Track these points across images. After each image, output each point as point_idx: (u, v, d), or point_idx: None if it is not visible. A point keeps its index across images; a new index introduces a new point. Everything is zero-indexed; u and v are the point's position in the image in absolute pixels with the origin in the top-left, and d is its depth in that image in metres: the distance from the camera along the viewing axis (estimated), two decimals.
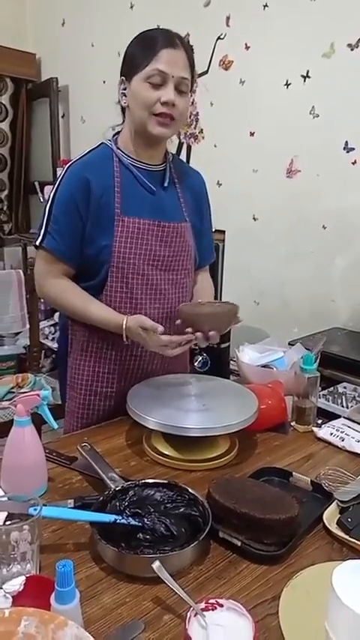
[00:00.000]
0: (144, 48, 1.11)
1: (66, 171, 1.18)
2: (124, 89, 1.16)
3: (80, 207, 1.15)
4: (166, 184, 1.25)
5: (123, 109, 1.22)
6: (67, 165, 1.19)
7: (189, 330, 1.15)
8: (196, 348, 1.99)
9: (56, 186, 1.17)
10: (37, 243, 1.19)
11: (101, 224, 1.17)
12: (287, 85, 2.03)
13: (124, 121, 1.24)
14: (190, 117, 2.40)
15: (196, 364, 1.78)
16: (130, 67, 1.13)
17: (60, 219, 1.16)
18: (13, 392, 1.97)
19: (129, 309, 1.20)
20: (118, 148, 1.22)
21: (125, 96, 1.16)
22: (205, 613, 0.64)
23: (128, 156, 1.21)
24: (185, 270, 1.28)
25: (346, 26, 1.80)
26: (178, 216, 1.27)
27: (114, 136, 1.26)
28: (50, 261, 1.19)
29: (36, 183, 3.13)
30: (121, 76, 1.17)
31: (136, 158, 1.22)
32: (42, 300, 2.99)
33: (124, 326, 1.14)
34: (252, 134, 2.20)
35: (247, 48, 2.16)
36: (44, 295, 1.26)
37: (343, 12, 1.81)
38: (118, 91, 1.19)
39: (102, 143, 1.24)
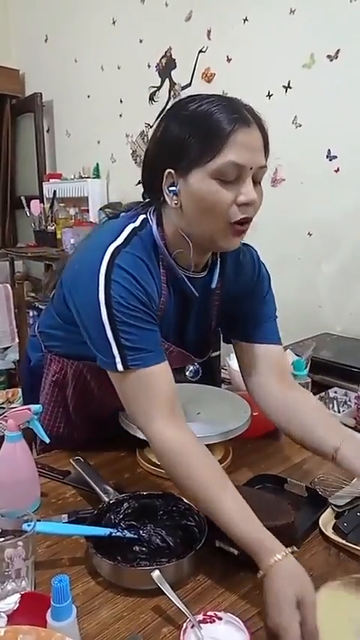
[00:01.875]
0: (204, 130, 0.78)
1: (113, 264, 0.81)
2: (173, 185, 0.82)
3: (142, 307, 0.83)
4: (213, 286, 0.95)
5: (161, 198, 0.86)
6: (110, 254, 0.81)
7: None
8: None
9: (103, 293, 0.80)
10: (121, 368, 0.81)
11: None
12: (269, 95, 2.06)
13: (159, 206, 0.89)
14: None
15: (187, 373, 1.77)
16: (181, 157, 0.80)
17: (132, 329, 0.81)
18: (4, 407, 1.95)
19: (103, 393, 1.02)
20: (165, 246, 0.88)
21: (177, 195, 0.82)
22: (202, 625, 0.64)
23: (179, 264, 0.90)
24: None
25: (325, 38, 1.85)
26: (202, 350, 1.05)
27: (151, 209, 0.90)
28: (147, 384, 0.82)
29: (22, 198, 3.13)
30: (165, 165, 0.82)
31: (183, 266, 0.91)
32: (30, 314, 2.99)
33: (274, 559, 0.68)
34: None
35: (229, 60, 2.20)
36: (160, 451, 0.81)
37: (321, 24, 1.85)
38: (165, 186, 0.83)
39: (144, 222, 0.88)
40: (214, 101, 0.79)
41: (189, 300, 0.95)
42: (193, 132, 0.79)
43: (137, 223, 0.88)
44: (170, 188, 0.83)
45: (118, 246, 0.83)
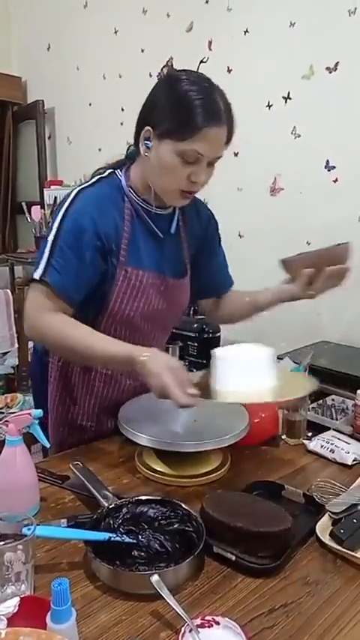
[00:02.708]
0: (182, 116, 0.96)
1: (74, 199, 1.03)
2: (148, 139, 1.02)
3: (86, 244, 1.02)
4: (173, 230, 1.17)
5: (137, 145, 1.07)
6: (75, 192, 1.05)
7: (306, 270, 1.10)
8: (186, 364, 2.00)
9: (62, 213, 1.02)
10: (37, 276, 1.01)
11: (102, 270, 1.06)
12: (269, 106, 2.09)
13: (135, 155, 1.11)
14: None
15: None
16: (161, 124, 0.99)
17: (66, 252, 1.00)
18: (3, 412, 1.96)
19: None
20: (129, 187, 1.10)
21: (148, 148, 1.02)
22: (200, 630, 0.65)
23: (140, 198, 1.10)
24: (175, 322, 1.29)
25: (324, 50, 1.87)
26: (180, 270, 1.20)
27: (123, 165, 1.13)
28: (50, 297, 1.01)
29: (23, 204, 3.15)
30: (146, 121, 1.02)
31: (147, 201, 1.10)
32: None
33: (142, 356, 0.95)
34: (236, 154, 2.25)
35: (229, 71, 2.23)
36: (36, 332, 1.05)
37: (320, 37, 1.88)
38: (138, 134, 1.05)
39: (112, 172, 1.11)
40: (200, 90, 0.96)
41: (157, 238, 1.13)
42: (175, 110, 0.97)
43: (105, 174, 1.11)
44: (146, 141, 1.02)
45: (83, 187, 1.06)
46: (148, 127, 1.01)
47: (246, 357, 0.95)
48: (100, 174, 1.11)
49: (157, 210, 1.12)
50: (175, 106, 0.97)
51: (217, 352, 0.97)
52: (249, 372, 0.92)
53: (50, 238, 1.02)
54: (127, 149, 1.14)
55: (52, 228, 1.03)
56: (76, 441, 1.21)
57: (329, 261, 1.08)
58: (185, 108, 0.95)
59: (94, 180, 1.09)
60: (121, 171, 1.12)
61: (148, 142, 1.02)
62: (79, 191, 1.05)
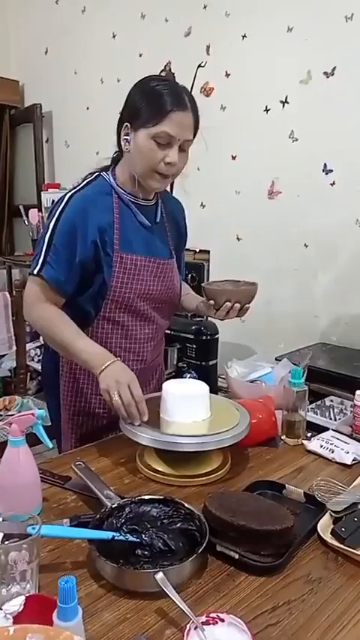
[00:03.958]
0: (153, 104, 1.11)
1: (67, 202, 1.17)
2: (127, 135, 1.16)
3: (79, 241, 1.15)
4: (158, 220, 1.30)
5: (120, 147, 1.22)
6: (68, 196, 1.18)
7: (211, 302, 1.27)
8: (184, 365, 2.01)
9: (57, 216, 1.16)
10: (35, 271, 1.16)
11: (99, 259, 1.18)
12: (267, 110, 2.10)
13: (120, 157, 1.25)
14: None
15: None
16: (136, 117, 1.13)
17: (60, 250, 1.15)
18: (1, 415, 1.95)
19: (119, 337, 1.26)
20: (116, 183, 1.23)
21: (128, 142, 1.16)
22: (205, 627, 0.65)
23: (127, 192, 1.23)
24: (172, 302, 1.36)
25: (322, 55, 1.90)
26: (167, 253, 1.32)
27: (110, 168, 1.26)
28: (44, 290, 1.17)
29: (21, 207, 3.15)
30: (124, 120, 1.17)
31: (133, 194, 1.24)
32: (28, 322, 2.99)
33: (107, 364, 1.09)
34: (234, 157, 2.27)
35: (228, 75, 2.25)
36: (32, 318, 1.22)
37: (318, 42, 1.91)
38: (119, 133, 1.19)
39: (99, 175, 1.24)
40: (166, 85, 1.13)
41: (145, 226, 1.25)
42: (148, 102, 1.12)
43: (92, 177, 1.24)
44: (125, 136, 1.17)
45: (75, 191, 1.19)
46: (126, 123, 1.16)
47: (187, 392, 1.12)
48: (88, 178, 1.24)
49: (142, 201, 1.26)
50: (146, 99, 1.13)
51: (165, 385, 1.14)
52: (188, 406, 1.10)
53: (46, 238, 1.16)
54: (113, 155, 1.29)
55: (47, 228, 1.17)
56: (90, 429, 1.30)
57: (239, 296, 1.26)
58: (154, 98, 1.11)
59: (83, 184, 1.22)
60: (107, 172, 1.25)
61: (127, 137, 1.16)
62: (71, 195, 1.19)
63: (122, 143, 1.19)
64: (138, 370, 1.28)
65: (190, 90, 2.18)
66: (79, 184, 1.22)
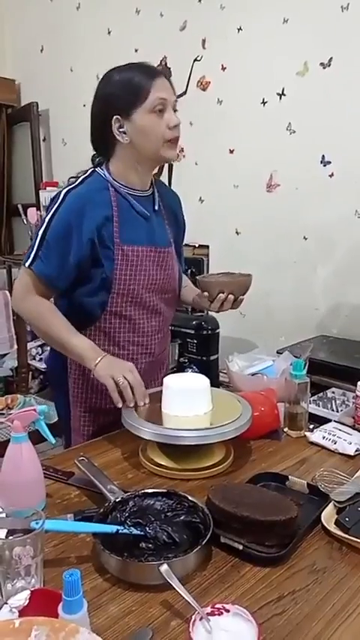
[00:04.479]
0: (133, 85, 1.14)
1: (63, 199, 1.17)
2: (121, 127, 1.16)
3: (74, 240, 1.16)
4: (156, 208, 1.30)
5: (110, 145, 1.21)
6: (64, 193, 1.18)
7: (206, 294, 1.27)
8: (185, 361, 2.01)
9: (52, 212, 1.17)
10: (27, 264, 1.18)
11: (97, 255, 1.19)
12: (264, 103, 2.10)
13: (104, 155, 1.25)
14: None
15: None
16: (123, 105, 1.14)
17: (52, 246, 1.16)
18: (4, 413, 1.96)
19: (127, 331, 1.27)
20: (112, 178, 1.23)
21: (125, 133, 1.17)
22: (210, 618, 0.65)
23: (123, 185, 1.24)
24: (175, 291, 1.36)
25: (318, 46, 1.89)
26: (166, 242, 1.33)
27: (103, 163, 1.26)
28: (34, 283, 1.19)
29: (19, 206, 3.15)
30: (109, 116, 1.16)
31: (130, 186, 1.24)
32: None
33: (102, 356, 1.14)
34: (231, 151, 2.27)
35: (224, 69, 2.24)
36: (21, 309, 1.24)
37: (314, 33, 1.90)
38: (108, 131, 1.17)
39: (94, 171, 1.25)
40: (132, 67, 1.17)
41: (144, 216, 1.26)
42: (125, 88, 1.14)
43: (87, 174, 1.24)
44: (120, 130, 1.16)
45: (70, 189, 1.19)
46: (115, 117, 1.16)
47: (187, 385, 1.13)
48: (84, 173, 1.25)
49: (139, 192, 1.26)
50: (122, 86, 1.15)
51: (165, 380, 1.14)
52: (189, 399, 1.10)
53: (40, 232, 1.17)
54: (93, 161, 1.28)
55: (42, 222, 1.18)
56: (103, 424, 1.29)
57: (232, 287, 1.26)
58: (129, 81, 1.15)
59: (79, 180, 1.22)
60: (101, 168, 1.25)
61: (122, 128, 1.17)
62: (67, 192, 1.19)
63: (119, 138, 1.18)
64: (146, 364, 1.32)
65: (186, 84, 2.24)
66: (75, 182, 1.22)
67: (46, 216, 1.18)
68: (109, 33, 2.77)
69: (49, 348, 1.49)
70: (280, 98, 2.04)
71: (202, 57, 2.32)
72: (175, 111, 1.19)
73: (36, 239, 1.18)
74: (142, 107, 1.14)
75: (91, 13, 2.87)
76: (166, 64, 2.49)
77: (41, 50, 3.29)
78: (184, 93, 2.40)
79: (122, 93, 1.15)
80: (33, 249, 1.18)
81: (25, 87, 3.53)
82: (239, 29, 2.14)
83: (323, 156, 1.94)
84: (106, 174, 1.24)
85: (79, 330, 1.23)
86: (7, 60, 3.55)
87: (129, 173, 1.23)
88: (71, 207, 1.16)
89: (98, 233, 1.18)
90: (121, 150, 1.21)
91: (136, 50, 2.61)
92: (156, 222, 1.30)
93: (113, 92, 1.16)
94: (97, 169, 1.25)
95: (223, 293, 1.24)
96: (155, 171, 1.40)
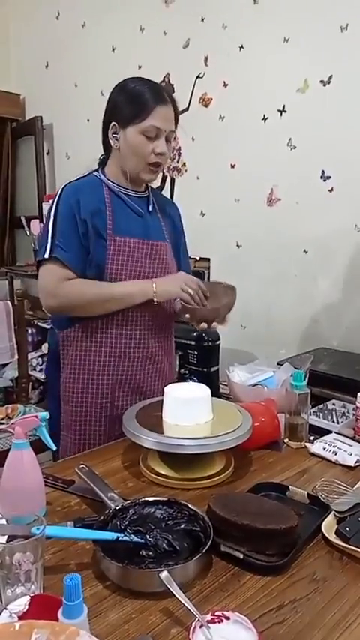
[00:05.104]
0: (137, 102, 1.21)
1: (62, 192, 1.26)
2: (115, 133, 1.25)
3: (78, 223, 1.23)
4: (150, 209, 1.36)
5: (107, 146, 1.31)
6: (62, 188, 1.27)
7: (187, 316, 1.30)
8: (186, 372, 2.02)
9: (55, 205, 1.24)
10: (46, 255, 1.22)
11: (93, 244, 1.24)
12: (265, 119, 2.13)
13: (107, 156, 1.33)
14: (172, 151, 2.49)
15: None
16: (122, 116, 1.23)
17: (66, 232, 1.22)
18: (4, 423, 1.95)
19: (120, 322, 1.29)
20: (107, 178, 1.31)
21: (117, 140, 1.25)
22: (211, 625, 0.65)
23: (117, 185, 1.31)
24: None
25: (318, 64, 1.93)
26: (161, 236, 1.37)
27: (100, 167, 1.34)
28: (62, 270, 1.22)
29: (22, 218, 3.18)
30: (110, 120, 1.25)
31: (123, 186, 1.32)
32: (29, 332, 3.00)
33: (153, 282, 1.24)
34: (233, 166, 2.30)
35: (226, 85, 2.28)
36: (61, 298, 1.24)
37: (314, 51, 1.94)
38: (107, 133, 1.27)
39: (90, 173, 1.33)
40: (145, 83, 1.24)
41: (139, 214, 1.32)
42: (131, 101, 1.22)
43: (84, 174, 1.33)
44: (114, 135, 1.26)
45: (67, 184, 1.28)
46: (113, 123, 1.25)
47: (188, 395, 1.13)
48: (81, 175, 1.34)
49: (132, 192, 1.33)
50: (130, 98, 1.23)
51: (166, 390, 1.14)
52: (190, 409, 1.11)
53: (50, 225, 1.24)
54: (99, 158, 1.37)
55: (49, 217, 1.25)
56: (91, 421, 1.31)
57: (216, 314, 1.26)
58: (137, 97, 1.22)
59: (76, 178, 1.32)
60: (97, 171, 1.34)
61: (116, 135, 1.25)
62: (64, 186, 1.28)
63: (111, 142, 1.27)
64: (140, 360, 1.32)
65: (189, 100, 2.31)
66: (73, 179, 1.31)
67: (50, 212, 1.25)
68: (113, 50, 2.83)
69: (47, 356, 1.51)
70: (281, 114, 2.08)
71: (204, 74, 2.37)
72: (168, 141, 1.25)
73: (46, 233, 1.23)
74: (136, 126, 1.21)
75: (96, 30, 2.93)
76: (169, 80, 2.54)
77: (46, 66, 3.35)
78: (187, 109, 2.44)
79: (125, 105, 1.23)
80: (47, 242, 1.22)
81: (29, 101, 3.59)
82: (241, 47, 2.19)
83: (323, 171, 1.96)
84: (101, 176, 1.32)
85: (73, 322, 1.29)
86: (12, 75, 3.62)
87: (120, 175, 1.30)
88: (68, 195, 1.24)
89: (92, 220, 1.23)
90: (114, 153, 1.29)
91: (139, 67, 2.66)
92: (150, 220, 1.35)
93: (120, 100, 1.24)
94: (94, 172, 1.33)
95: (206, 319, 1.26)
96: (158, 184, 1.44)
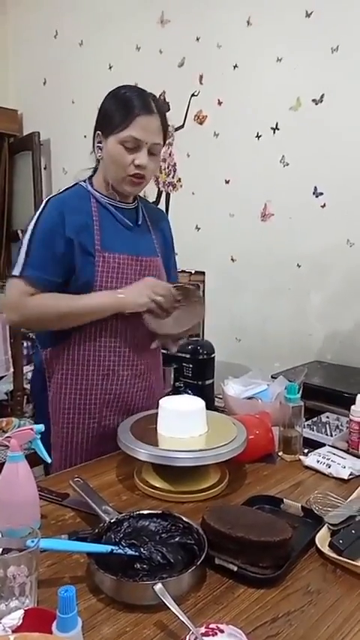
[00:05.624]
0: (120, 110, 1.17)
1: (45, 206, 1.22)
2: (100, 142, 1.23)
3: (58, 242, 1.19)
4: (139, 222, 1.33)
5: (95, 155, 1.29)
6: (46, 200, 1.24)
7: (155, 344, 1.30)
8: (181, 385, 2.02)
9: (35, 220, 1.20)
10: (17, 273, 1.18)
11: (81, 260, 1.21)
12: (258, 136, 2.17)
13: (96, 167, 1.31)
14: (168, 167, 2.53)
15: None
16: (106, 125, 1.20)
17: (40, 250, 1.18)
18: None
19: (107, 336, 1.27)
20: (94, 189, 1.28)
21: (101, 150, 1.23)
22: (205, 638, 0.65)
23: (105, 196, 1.28)
24: None
25: (311, 83, 1.97)
26: (152, 252, 1.34)
27: (88, 177, 1.32)
28: (26, 287, 1.18)
29: (19, 231, 3.20)
30: (97, 129, 1.24)
31: (111, 197, 1.29)
32: (25, 345, 3.00)
33: (119, 291, 1.21)
34: (227, 182, 2.33)
35: (220, 103, 2.32)
36: (24, 312, 1.21)
37: (306, 71, 1.99)
38: (94, 142, 1.26)
39: (76, 183, 1.30)
40: (134, 91, 1.22)
41: (127, 227, 1.30)
42: (116, 109, 1.19)
43: (70, 186, 1.30)
44: (98, 144, 1.24)
45: (52, 196, 1.25)
46: (97, 132, 1.23)
47: (183, 407, 1.14)
48: (67, 186, 1.31)
49: (120, 204, 1.30)
50: (115, 105, 1.20)
51: (161, 402, 1.15)
52: (184, 421, 1.11)
53: (26, 240, 1.20)
54: (92, 168, 1.35)
55: (26, 231, 1.21)
56: (80, 441, 1.29)
57: (183, 334, 1.31)
58: (122, 104, 1.18)
59: (61, 190, 1.28)
60: (84, 181, 1.31)
61: (100, 144, 1.24)
62: (48, 200, 1.24)
63: (96, 151, 1.25)
64: (129, 377, 1.31)
65: (184, 118, 2.32)
66: (58, 192, 1.28)
67: (30, 224, 1.20)
68: (110, 68, 2.88)
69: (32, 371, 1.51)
70: (274, 132, 2.12)
71: (199, 92, 2.41)
72: (153, 154, 1.21)
73: (22, 248, 1.19)
74: (115, 136, 1.18)
75: (93, 49, 2.98)
76: (164, 98, 2.59)
77: (44, 83, 3.40)
78: (182, 126, 2.48)
79: (110, 112, 1.20)
80: (20, 258, 1.19)
81: (27, 117, 3.63)
82: (235, 66, 2.24)
83: (315, 187, 2.00)
84: (87, 186, 1.28)
85: (62, 337, 1.26)
86: (10, 91, 3.67)
87: (105, 186, 1.28)
88: (52, 210, 1.20)
89: (77, 237, 1.20)
90: (100, 163, 1.27)
91: (136, 84, 2.70)
92: (140, 234, 1.32)
93: (106, 108, 1.22)
94: (80, 182, 1.30)
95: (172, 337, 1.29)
96: (154, 199, 1.45)
